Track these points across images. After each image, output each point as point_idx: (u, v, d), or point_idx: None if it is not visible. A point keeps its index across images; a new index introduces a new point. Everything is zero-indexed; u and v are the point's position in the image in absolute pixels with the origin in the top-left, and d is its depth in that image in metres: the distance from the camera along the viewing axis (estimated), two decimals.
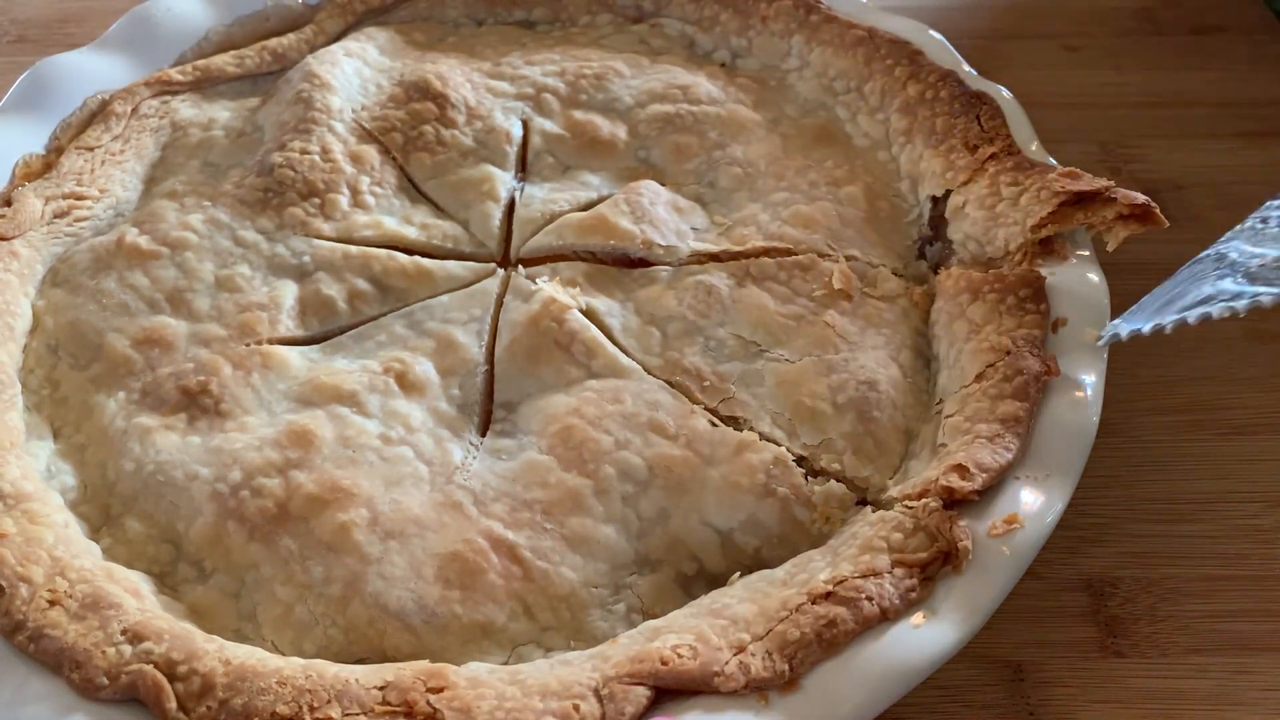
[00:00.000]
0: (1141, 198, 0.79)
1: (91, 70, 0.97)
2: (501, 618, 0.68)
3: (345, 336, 0.82)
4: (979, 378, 0.75)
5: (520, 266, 0.86)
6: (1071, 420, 0.72)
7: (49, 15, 1.22)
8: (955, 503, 0.68)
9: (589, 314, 0.82)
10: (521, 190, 0.91)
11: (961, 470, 0.69)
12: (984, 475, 0.68)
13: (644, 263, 0.85)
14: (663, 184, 0.91)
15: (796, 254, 0.84)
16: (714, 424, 0.75)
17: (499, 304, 0.83)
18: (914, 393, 0.79)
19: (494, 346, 0.81)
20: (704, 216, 0.89)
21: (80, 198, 0.88)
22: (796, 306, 0.82)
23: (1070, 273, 0.79)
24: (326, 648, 0.67)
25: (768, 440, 0.75)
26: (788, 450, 0.74)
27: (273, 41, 1.01)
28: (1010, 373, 0.74)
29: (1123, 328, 0.73)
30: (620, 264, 0.85)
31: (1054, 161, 0.87)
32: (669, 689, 0.61)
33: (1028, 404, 0.72)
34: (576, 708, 0.60)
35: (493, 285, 0.84)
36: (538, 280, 0.84)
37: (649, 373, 0.79)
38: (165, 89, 0.97)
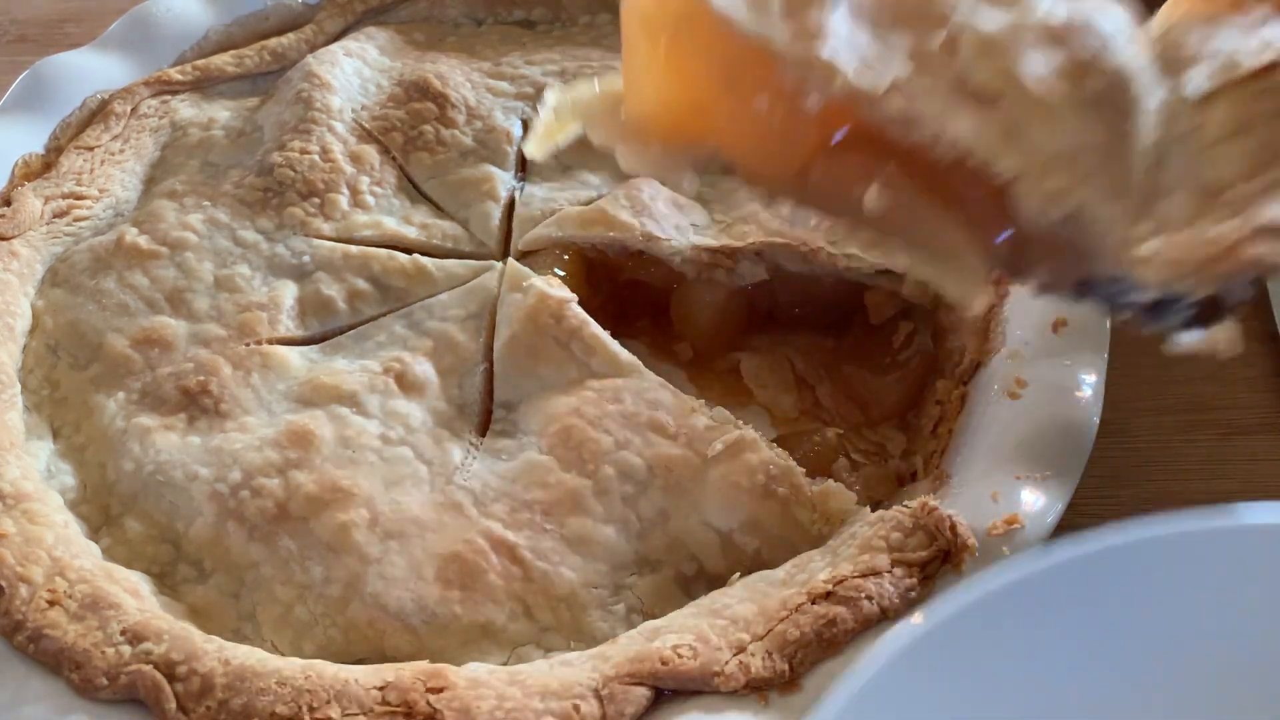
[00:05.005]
0: None
1: (91, 70, 0.97)
2: (501, 618, 0.68)
3: (345, 336, 0.82)
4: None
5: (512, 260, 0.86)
6: (1071, 420, 0.72)
7: (49, 15, 1.22)
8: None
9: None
10: (521, 189, 0.91)
11: None
12: None
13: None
14: (663, 183, 0.90)
15: (796, 249, 0.84)
16: (714, 423, 0.75)
17: (496, 298, 0.83)
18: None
19: (493, 343, 0.81)
20: (704, 214, 0.89)
21: (80, 197, 0.88)
22: None
23: None
24: (326, 648, 0.67)
25: None
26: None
27: (272, 41, 1.01)
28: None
29: None
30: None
31: None
32: (669, 689, 0.62)
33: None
34: (576, 708, 0.60)
35: (490, 281, 0.84)
36: (530, 278, 0.82)
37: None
38: (165, 89, 0.97)
